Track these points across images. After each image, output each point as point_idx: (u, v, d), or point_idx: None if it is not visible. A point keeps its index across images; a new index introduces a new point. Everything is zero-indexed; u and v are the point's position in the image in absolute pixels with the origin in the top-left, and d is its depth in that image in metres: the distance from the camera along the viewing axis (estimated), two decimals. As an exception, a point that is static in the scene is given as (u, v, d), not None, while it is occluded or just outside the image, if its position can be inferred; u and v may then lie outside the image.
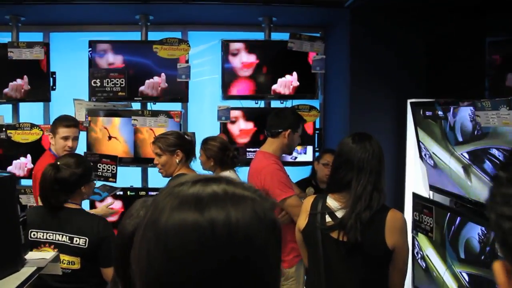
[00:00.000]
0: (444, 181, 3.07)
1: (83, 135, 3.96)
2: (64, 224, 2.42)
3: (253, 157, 3.99)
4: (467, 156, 2.62)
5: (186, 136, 2.94)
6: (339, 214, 2.15)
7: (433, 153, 3.07)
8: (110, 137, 4.00)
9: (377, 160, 2.12)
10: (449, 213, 2.87)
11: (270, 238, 0.77)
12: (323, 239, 2.17)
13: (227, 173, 3.32)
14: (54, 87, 4.09)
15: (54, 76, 4.08)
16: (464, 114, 2.66)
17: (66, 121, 3.42)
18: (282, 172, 2.93)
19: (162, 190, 0.82)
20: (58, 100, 4.19)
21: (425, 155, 3.27)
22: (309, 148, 4.17)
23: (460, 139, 2.68)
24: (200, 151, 3.36)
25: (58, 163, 2.45)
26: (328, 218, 2.18)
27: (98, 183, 3.87)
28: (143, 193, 4.03)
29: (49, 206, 2.41)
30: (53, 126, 3.43)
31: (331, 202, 2.21)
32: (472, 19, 3.54)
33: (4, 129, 3.93)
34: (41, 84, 4.04)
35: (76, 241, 2.39)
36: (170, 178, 2.84)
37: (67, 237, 2.40)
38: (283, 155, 3.20)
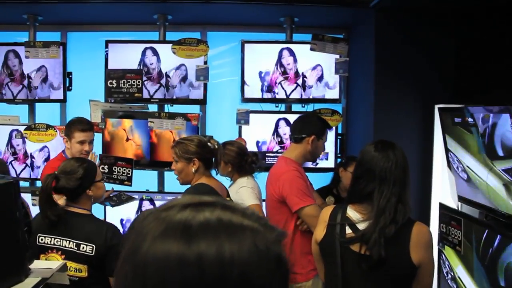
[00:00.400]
0: (478, 195, 2.89)
1: (98, 137, 3.88)
2: (72, 230, 2.31)
3: (272, 162, 3.92)
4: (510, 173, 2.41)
5: (209, 144, 2.69)
6: (361, 226, 2.02)
7: (468, 166, 2.88)
8: (127, 139, 3.90)
9: (401, 170, 1.99)
10: (486, 230, 2.65)
11: (273, 278, 0.63)
12: (342, 253, 2.03)
13: (245, 180, 3.19)
14: (70, 88, 4.02)
15: (70, 76, 4.00)
16: (503, 123, 2.47)
17: (81, 124, 3.34)
18: (302, 180, 2.79)
19: (148, 212, 0.68)
20: (74, 100, 4.12)
21: (457, 167, 3.08)
22: (331, 154, 4.01)
23: (501, 153, 2.47)
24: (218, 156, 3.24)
25: (56, 172, 2.36)
26: (348, 230, 2.04)
27: (116, 187, 3.78)
28: (159, 197, 3.92)
29: (47, 218, 2.30)
30: (68, 129, 3.34)
31: (352, 213, 2.07)
32: (504, 24, 3.36)
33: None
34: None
35: (83, 248, 2.28)
36: (189, 186, 2.70)
37: (74, 243, 2.30)
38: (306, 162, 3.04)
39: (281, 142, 3.97)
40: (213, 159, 2.70)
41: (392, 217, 1.93)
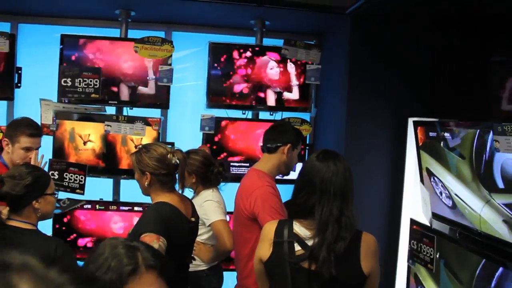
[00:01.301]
0: (458, 216, 2.77)
1: (49, 141, 3.55)
2: (14, 248, 2.01)
3: (237, 172, 3.70)
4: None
5: (170, 157, 2.32)
6: (310, 242, 1.88)
7: (456, 194, 2.73)
8: (85, 143, 3.59)
9: (343, 180, 1.90)
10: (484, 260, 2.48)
11: None
12: (293, 271, 1.88)
13: (210, 192, 2.96)
14: (19, 85, 3.66)
15: (19, 72, 3.65)
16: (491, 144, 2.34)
17: (30, 128, 2.92)
18: (276, 197, 2.59)
19: None
20: (23, 99, 3.77)
21: (440, 192, 2.94)
22: (298, 166, 3.81)
23: (501, 185, 2.32)
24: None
25: (3, 175, 2.07)
26: (297, 247, 1.89)
27: (66, 196, 3.47)
28: (113, 207, 3.62)
29: None
30: (11, 131, 2.91)
31: (299, 229, 1.92)
32: (481, 36, 3.29)
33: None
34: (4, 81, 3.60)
35: (28, 270, 1.99)
36: (150, 206, 2.41)
37: (17, 265, 1.99)
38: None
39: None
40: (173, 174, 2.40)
41: (337, 232, 1.84)
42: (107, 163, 3.61)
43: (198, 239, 2.97)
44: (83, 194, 3.50)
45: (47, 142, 3.48)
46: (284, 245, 1.89)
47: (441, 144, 2.85)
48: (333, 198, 1.86)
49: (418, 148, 3.36)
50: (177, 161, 2.35)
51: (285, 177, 3.63)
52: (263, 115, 3.89)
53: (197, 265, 2.95)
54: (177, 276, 2.33)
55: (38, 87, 3.76)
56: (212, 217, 2.84)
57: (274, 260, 1.92)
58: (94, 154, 3.61)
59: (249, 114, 3.87)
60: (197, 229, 2.57)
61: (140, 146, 2.52)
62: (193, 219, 2.47)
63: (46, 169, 3.34)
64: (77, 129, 3.59)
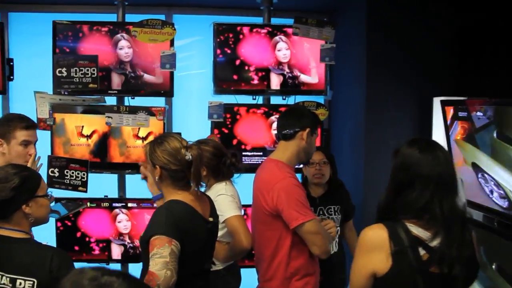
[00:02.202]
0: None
1: (46, 136, 3.31)
2: (4, 260, 1.77)
3: (249, 161, 3.44)
4: None
5: (183, 152, 2.05)
6: (433, 244, 1.63)
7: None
8: (85, 136, 3.34)
9: (453, 171, 1.70)
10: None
11: None
12: (425, 279, 1.63)
13: (223, 186, 2.70)
14: (11, 77, 3.40)
15: (11, 63, 3.39)
16: None
17: (23, 121, 2.65)
18: (300, 189, 2.33)
19: None
20: (17, 92, 3.52)
21: (491, 191, 2.69)
22: (315, 152, 3.56)
23: None
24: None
25: None
26: (422, 251, 1.63)
27: (68, 194, 3.22)
28: (118, 204, 3.38)
29: None
30: (4, 128, 2.61)
31: (416, 230, 1.64)
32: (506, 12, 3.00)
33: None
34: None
35: (21, 284, 1.75)
36: (160, 206, 2.13)
37: (8, 278, 1.75)
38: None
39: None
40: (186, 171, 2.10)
41: (462, 228, 1.64)
42: (110, 158, 3.35)
43: (212, 236, 2.73)
44: (86, 191, 3.26)
45: (44, 138, 3.24)
46: (408, 253, 1.62)
47: (494, 134, 2.58)
48: (450, 191, 1.65)
49: (448, 129, 3.10)
50: (190, 157, 2.08)
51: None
52: (275, 100, 3.62)
53: (214, 265, 2.70)
54: (195, 285, 2.08)
55: (34, 79, 3.52)
56: (227, 213, 2.58)
57: (398, 271, 1.62)
58: (95, 148, 3.36)
59: (259, 100, 3.60)
60: (217, 230, 2.30)
61: (157, 136, 2.24)
62: (211, 219, 2.21)
63: (44, 168, 3.10)
64: (76, 122, 3.33)
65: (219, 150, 2.72)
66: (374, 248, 1.65)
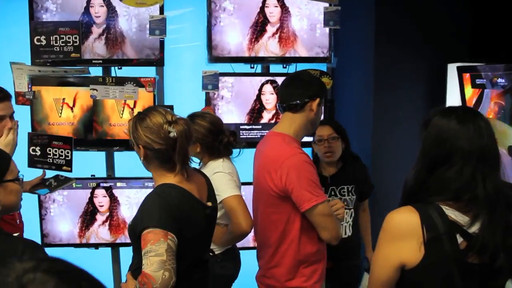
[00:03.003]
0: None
1: (25, 111, 3.03)
2: None
3: (248, 136, 3.18)
4: None
5: (167, 128, 1.78)
6: (472, 230, 1.37)
7: None
8: (70, 109, 3.06)
9: (495, 144, 1.45)
10: None
11: None
12: (462, 272, 1.37)
13: (220, 163, 2.45)
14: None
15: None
16: None
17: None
18: (312, 167, 2.06)
19: None
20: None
21: None
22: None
23: None
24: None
25: None
26: (459, 238, 1.37)
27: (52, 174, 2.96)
28: (107, 184, 3.13)
29: None
30: None
31: (453, 213, 1.38)
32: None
33: None
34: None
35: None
36: (150, 192, 1.84)
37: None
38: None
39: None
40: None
41: (506, 211, 1.39)
42: (96, 134, 3.08)
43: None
44: (70, 171, 2.99)
45: (23, 114, 2.96)
46: (444, 240, 1.36)
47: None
48: (493, 167, 1.42)
49: (464, 98, 2.84)
50: (175, 133, 1.80)
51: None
52: (275, 68, 3.33)
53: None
54: (192, 278, 1.84)
55: (8, 49, 3.21)
56: (224, 193, 2.33)
57: (431, 262, 1.37)
58: (80, 124, 3.08)
59: (258, 68, 3.31)
60: (216, 216, 2.05)
61: (139, 112, 1.96)
62: (209, 203, 1.96)
63: (24, 146, 2.84)
64: (57, 95, 3.05)
65: (216, 126, 2.46)
66: (403, 236, 1.39)
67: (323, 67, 3.35)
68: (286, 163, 2.02)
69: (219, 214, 2.47)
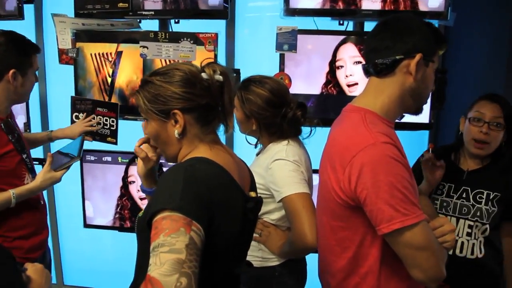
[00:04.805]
0: None
1: (69, 71, 2.60)
2: None
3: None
4: None
5: (203, 75, 1.27)
6: None
7: None
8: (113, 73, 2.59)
9: None
10: None
11: None
12: None
13: (283, 146, 1.81)
14: (31, -1, 2.72)
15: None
16: None
17: (31, 43, 2.00)
18: (401, 165, 1.28)
19: None
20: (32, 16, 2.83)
21: None
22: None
23: None
24: (236, 102, 1.86)
25: None
26: None
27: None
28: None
29: None
30: (17, 56, 1.92)
31: None
32: None
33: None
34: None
35: None
36: (176, 164, 1.26)
37: None
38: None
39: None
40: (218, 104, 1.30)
41: None
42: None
43: (267, 219, 1.88)
44: (115, 143, 2.54)
45: (68, 74, 2.55)
46: None
47: None
48: None
49: None
50: (220, 78, 1.28)
51: (401, 120, 2.38)
52: (370, 25, 2.58)
53: (266, 258, 1.88)
54: None
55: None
56: (285, 189, 1.70)
57: None
58: (127, 88, 2.60)
59: (349, 26, 2.59)
60: (257, 214, 1.42)
61: (147, 74, 1.39)
62: (253, 194, 1.36)
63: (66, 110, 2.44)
64: (102, 52, 2.58)
65: (278, 96, 1.81)
66: None
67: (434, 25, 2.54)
68: (359, 157, 1.28)
69: (279, 214, 1.86)
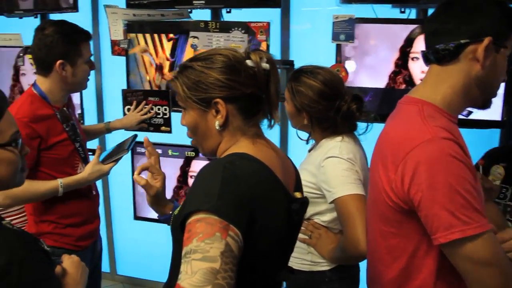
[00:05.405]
0: None
1: (121, 62, 2.59)
2: None
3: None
4: None
5: (248, 62, 1.16)
6: None
7: None
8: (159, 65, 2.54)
9: None
10: None
11: None
12: None
13: (337, 143, 1.68)
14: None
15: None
16: None
17: (83, 31, 1.96)
18: (463, 165, 1.10)
19: None
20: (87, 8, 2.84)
21: None
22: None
23: None
24: (286, 95, 1.74)
25: None
26: None
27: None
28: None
29: None
30: (66, 45, 1.88)
31: None
32: None
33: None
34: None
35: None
36: (213, 160, 1.16)
37: None
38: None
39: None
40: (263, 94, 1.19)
41: None
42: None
43: (318, 220, 1.76)
44: (170, 131, 2.51)
45: (120, 65, 2.53)
46: None
47: None
48: None
49: None
50: (267, 66, 1.17)
51: (469, 117, 2.17)
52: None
53: (315, 262, 1.76)
54: None
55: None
56: (337, 189, 1.57)
57: None
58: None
59: (412, 14, 2.40)
60: (303, 215, 1.31)
61: (186, 60, 1.29)
62: (298, 194, 1.24)
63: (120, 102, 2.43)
64: (152, 44, 2.54)
65: (331, 87, 1.67)
66: None
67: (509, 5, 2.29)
68: (413, 154, 1.12)
69: (330, 216, 1.73)
